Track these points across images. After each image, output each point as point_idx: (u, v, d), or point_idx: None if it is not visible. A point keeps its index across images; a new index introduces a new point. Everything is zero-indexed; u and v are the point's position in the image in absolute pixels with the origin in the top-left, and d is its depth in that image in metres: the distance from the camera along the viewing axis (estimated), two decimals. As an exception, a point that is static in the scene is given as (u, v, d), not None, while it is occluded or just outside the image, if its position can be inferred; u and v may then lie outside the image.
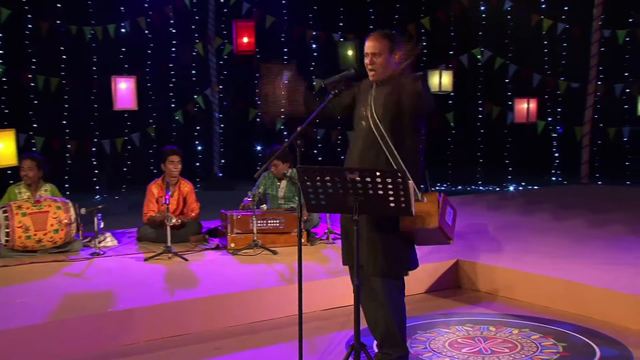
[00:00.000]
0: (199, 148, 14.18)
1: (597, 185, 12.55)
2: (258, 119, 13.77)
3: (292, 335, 5.31)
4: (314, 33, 13.55)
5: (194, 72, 13.99)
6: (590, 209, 9.32)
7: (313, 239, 7.38)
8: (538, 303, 5.83)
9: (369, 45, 4.37)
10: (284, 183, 7.72)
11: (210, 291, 5.63)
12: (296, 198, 7.74)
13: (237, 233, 7.10)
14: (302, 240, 6.94)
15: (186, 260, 6.66)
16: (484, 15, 13.47)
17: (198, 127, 14.15)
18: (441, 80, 10.73)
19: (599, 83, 12.74)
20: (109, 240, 7.48)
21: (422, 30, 13.42)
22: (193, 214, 7.63)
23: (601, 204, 9.87)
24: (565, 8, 13.03)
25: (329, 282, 6.00)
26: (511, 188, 13.30)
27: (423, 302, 6.10)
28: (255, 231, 6.92)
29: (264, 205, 7.36)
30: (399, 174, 3.76)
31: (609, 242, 7.16)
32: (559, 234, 7.57)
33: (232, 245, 7.08)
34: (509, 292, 6.08)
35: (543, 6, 13.09)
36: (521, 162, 13.88)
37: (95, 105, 12.80)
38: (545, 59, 13.19)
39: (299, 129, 4.40)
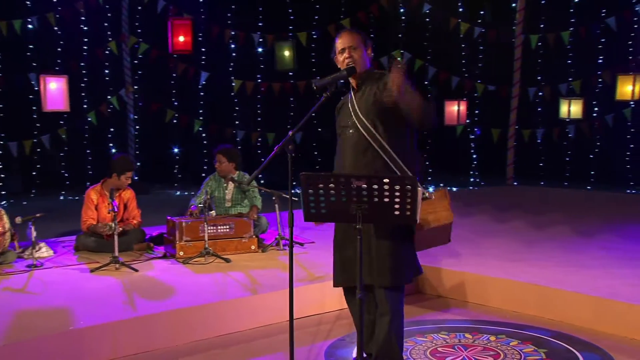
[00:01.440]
0: (113, 150, 13.63)
1: (521, 186, 12.86)
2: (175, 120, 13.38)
3: (265, 348, 5.16)
4: (233, 33, 13.29)
5: (107, 71, 13.44)
6: (525, 210, 9.52)
7: (264, 245, 7.17)
8: (507, 308, 5.85)
9: (343, 41, 4.27)
10: (231, 185, 7.48)
11: (174, 304, 5.36)
12: (245, 202, 7.52)
13: (186, 241, 6.81)
14: (253, 247, 6.85)
15: (136, 270, 6.32)
16: (403, 18, 13.57)
17: (112, 129, 13.60)
18: None
19: (515, 86, 13.09)
20: (44, 251, 7.02)
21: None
22: (135, 221, 7.28)
23: (533, 205, 10.12)
24: (482, 12, 13.30)
25: (295, 291, 5.81)
26: (431, 189, 13.42)
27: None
28: (206, 238, 6.66)
29: (213, 211, 7.10)
30: (408, 181, 3.65)
31: (558, 244, 7.30)
32: (507, 236, 7.67)
33: (181, 253, 6.79)
34: (477, 297, 6.07)
35: (461, 9, 13.31)
36: (440, 164, 14.08)
37: (1, 105, 12.08)
38: (463, 61, 13.42)
39: (290, 133, 4.25)
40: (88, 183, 13.29)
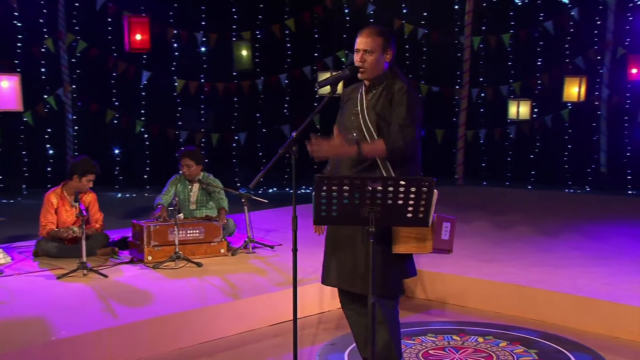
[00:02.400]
0: (51, 152, 13.17)
1: (468, 186, 13.03)
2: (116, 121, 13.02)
3: (254, 354, 5.08)
4: (175, 32, 13.03)
5: (43, 70, 12.97)
6: (483, 210, 9.63)
7: (233, 248, 7.03)
8: (487, 309, 5.90)
9: (360, 41, 4.18)
10: (196, 187, 7.31)
11: (156, 311, 5.21)
12: (210, 204, 7.36)
13: (154, 245, 6.61)
14: (222, 251, 6.72)
15: (105, 276, 6.10)
16: (348, 18, 13.58)
17: (49, 129, 13.13)
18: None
19: (457, 87, 13.28)
20: (1, 257, 6.71)
21: (287, 32, 13.31)
22: (97, 225, 7.02)
23: (489, 205, 10.24)
24: (425, 14, 13.45)
25: (275, 296, 5.73)
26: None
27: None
28: (177, 242, 6.48)
29: (181, 214, 6.92)
30: (425, 183, 3.60)
31: (525, 244, 7.41)
32: (474, 237, 7.72)
33: (149, 258, 6.59)
34: (456, 299, 6.09)
35: (405, 11, 13.41)
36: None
37: None
38: (407, 62, 13.52)
39: (294, 134, 4.18)
40: (24, 185, 12.89)
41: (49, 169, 13.07)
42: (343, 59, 13.36)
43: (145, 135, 13.35)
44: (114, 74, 13.08)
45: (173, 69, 13.28)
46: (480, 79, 13.59)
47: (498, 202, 10.84)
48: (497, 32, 13.08)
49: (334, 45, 13.69)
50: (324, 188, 3.62)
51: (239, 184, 12.90)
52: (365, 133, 4.10)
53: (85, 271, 6.11)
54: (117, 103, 13.24)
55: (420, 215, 3.70)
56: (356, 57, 4.19)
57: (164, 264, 6.46)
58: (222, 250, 6.89)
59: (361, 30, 4.24)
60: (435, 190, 3.67)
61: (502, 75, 13.42)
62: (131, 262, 6.69)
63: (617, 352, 4.96)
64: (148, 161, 13.40)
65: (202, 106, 13.71)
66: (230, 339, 5.35)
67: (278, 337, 5.41)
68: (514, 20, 13.37)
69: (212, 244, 6.84)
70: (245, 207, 7.03)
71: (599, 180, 13.04)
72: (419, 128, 4.11)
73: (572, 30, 13.07)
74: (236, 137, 13.57)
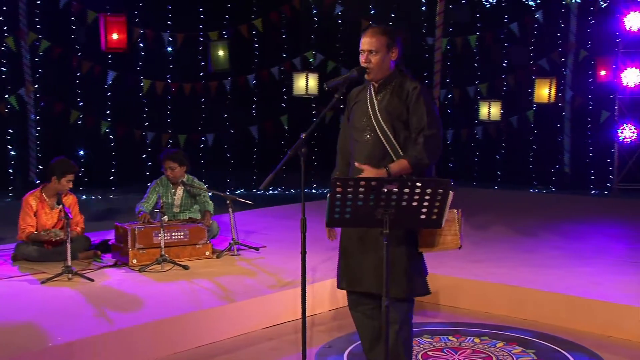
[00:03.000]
0: (12, 153, 12.86)
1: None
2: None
3: (250, 359, 5.01)
4: (141, 31, 12.84)
5: (4, 69, 12.66)
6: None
7: (218, 251, 6.95)
8: (479, 309, 5.93)
9: (364, 42, 4.17)
10: (180, 190, 7.21)
11: (151, 315, 5.13)
12: (195, 206, 7.28)
13: (139, 248, 6.51)
14: (207, 253, 6.65)
15: (91, 280, 5.98)
16: (316, 19, 13.56)
17: (11, 130, 12.82)
18: (308, 83, 10.62)
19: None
20: (-22, 262, 6.54)
21: (255, 32, 13.23)
22: (79, 228, 6.88)
23: (462, 205, 10.27)
24: (392, 15, 13.51)
25: (268, 298, 5.69)
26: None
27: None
28: (162, 245, 6.39)
29: (165, 216, 6.83)
30: (441, 185, 3.61)
31: (507, 244, 7.48)
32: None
33: (134, 261, 6.48)
34: (448, 299, 6.11)
35: (372, 12, 13.44)
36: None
37: None
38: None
39: (303, 136, 4.14)
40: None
41: (10, 170, 12.76)
42: (311, 60, 13.33)
43: (111, 136, 13.13)
44: (78, 74, 12.84)
45: (139, 69, 13.09)
46: (448, 80, 13.71)
47: (469, 202, 10.90)
48: (463, 33, 13.22)
49: (303, 45, 13.67)
50: (339, 190, 3.58)
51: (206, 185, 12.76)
52: (380, 134, 4.09)
53: (70, 275, 5.98)
54: (81, 103, 12.99)
55: (434, 217, 3.70)
56: (361, 58, 4.19)
57: (150, 267, 6.35)
58: (207, 253, 6.82)
59: (365, 30, 4.23)
60: (451, 192, 3.67)
61: (468, 77, 13.56)
62: (115, 265, 6.57)
63: (611, 350, 5.03)
64: (114, 162, 13.18)
65: (169, 107, 13.53)
66: (226, 342, 5.30)
67: (273, 340, 5.37)
68: (480, 22, 13.51)
69: (197, 246, 6.76)
70: (230, 209, 6.97)
71: (562, 180, 13.26)
72: (441, 128, 4.12)
73: (536, 32, 13.27)
74: (203, 138, 13.45)
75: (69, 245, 6.00)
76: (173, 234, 6.63)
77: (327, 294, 6.01)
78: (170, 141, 13.19)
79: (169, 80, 13.17)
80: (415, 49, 13.62)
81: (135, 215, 7.00)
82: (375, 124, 4.11)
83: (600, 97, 12.94)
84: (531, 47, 13.40)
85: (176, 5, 13.32)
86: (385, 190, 3.58)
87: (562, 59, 13.20)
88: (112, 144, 13.22)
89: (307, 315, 5.76)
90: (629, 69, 10.74)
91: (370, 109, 4.16)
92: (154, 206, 7.04)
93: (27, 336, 4.69)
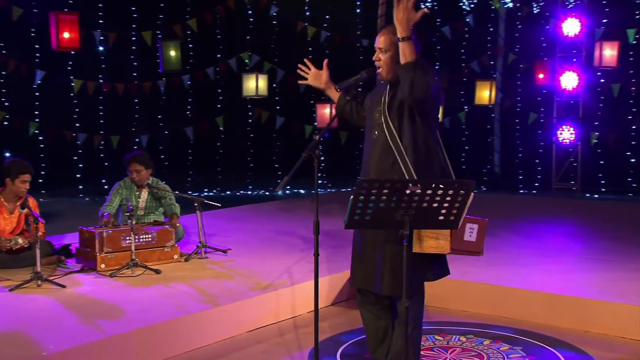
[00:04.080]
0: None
1: None
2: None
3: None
4: (70, 29, 12.43)
5: None
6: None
7: (186, 254, 6.83)
8: (456, 308, 6.02)
9: (378, 40, 4.21)
10: (145, 193, 7.03)
11: (141, 321, 4.97)
12: (160, 209, 7.13)
13: (107, 252, 6.32)
14: (176, 257, 6.54)
15: (63, 286, 5.77)
16: (251, 20, 13.48)
17: None
18: (258, 84, 10.53)
19: (359, 90, 13.46)
20: None
21: (189, 32, 13.04)
22: (40, 233, 6.59)
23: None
24: (327, 16, 13.59)
25: (253, 301, 5.63)
26: (279, 192, 13.51)
27: (345, 315, 5.98)
28: (133, 249, 6.22)
29: (129, 220, 6.65)
30: (464, 186, 3.66)
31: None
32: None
33: (102, 266, 6.29)
34: (427, 299, 6.15)
35: (308, 13, 13.48)
36: (289, 167, 14.10)
37: None
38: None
39: (316, 137, 4.14)
40: None
41: None
42: (247, 60, 13.24)
43: (40, 138, 12.67)
44: (4, 73, 12.34)
45: (69, 68, 12.68)
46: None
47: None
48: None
49: (238, 46, 13.57)
50: (364, 191, 3.58)
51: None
52: (387, 132, 4.11)
53: (39, 282, 5.76)
54: (7, 103, 12.49)
55: (452, 218, 3.75)
56: (374, 56, 4.22)
57: (121, 272, 6.17)
58: (176, 256, 6.69)
59: (380, 29, 4.26)
60: (472, 193, 3.72)
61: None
62: (82, 270, 6.36)
63: (592, 345, 5.17)
64: (43, 164, 12.72)
65: (101, 107, 13.17)
66: (213, 346, 5.22)
67: (261, 343, 5.32)
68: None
69: (166, 249, 6.63)
70: (198, 212, 6.86)
71: (493, 180, 13.66)
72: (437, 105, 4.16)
73: (467, 35, 13.62)
74: (137, 140, 13.15)
75: (38, 251, 5.78)
76: (141, 237, 6.47)
77: (306, 296, 6.00)
78: (103, 142, 12.85)
79: (101, 81, 12.82)
80: (349, 50, 13.75)
81: (99, 218, 6.79)
82: (383, 121, 4.14)
83: (539, 99, 13.38)
84: (462, 50, 13.74)
85: (108, 4, 12.97)
86: (409, 191, 3.61)
87: (492, 62, 13.60)
88: (41, 146, 12.77)
89: (287, 318, 5.82)
90: (567, 72, 11.20)
91: (381, 105, 4.19)
92: (125, 209, 6.86)
93: (16, 346, 4.49)
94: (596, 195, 12.26)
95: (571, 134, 10.96)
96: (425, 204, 3.64)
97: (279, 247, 7.42)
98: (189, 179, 13.37)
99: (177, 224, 6.87)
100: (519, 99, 13.61)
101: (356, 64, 13.48)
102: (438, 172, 4.19)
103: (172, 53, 10.63)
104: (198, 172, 13.67)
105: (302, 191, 13.54)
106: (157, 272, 6.23)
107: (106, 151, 12.95)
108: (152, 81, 12.89)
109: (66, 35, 8.97)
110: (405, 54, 3.91)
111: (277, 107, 13.54)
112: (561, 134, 10.97)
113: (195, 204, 6.88)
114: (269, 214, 9.72)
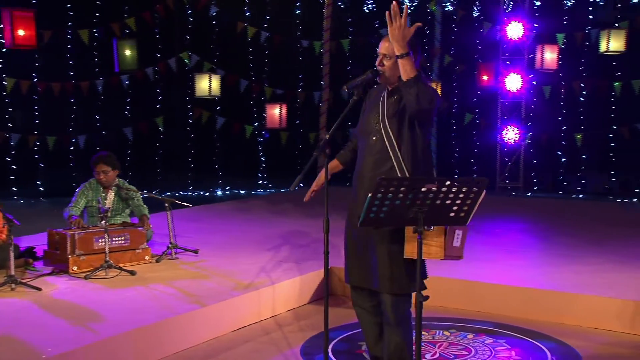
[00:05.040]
0: None
1: (335, 187, 13.26)
2: None
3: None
4: (1, 26, 12.02)
5: None
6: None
7: (157, 255, 6.74)
8: (431, 303, 6.13)
9: (381, 46, 4.21)
10: (111, 194, 6.90)
11: (133, 323, 4.90)
12: (127, 211, 7.01)
13: (79, 254, 6.19)
14: (147, 258, 6.47)
15: (39, 289, 5.63)
16: (191, 19, 13.36)
17: None
18: (211, 84, 10.44)
19: (299, 90, 13.59)
20: None
21: (127, 31, 12.81)
22: (4, 236, 6.41)
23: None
24: (267, 17, 13.60)
25: (237, 301, 5.62)
26: (219, 192, 13.45)
27: (321, 314, 5.97)
28: (107, 250, 6.12)
29: (102, 221, 6.53)
30: (479, 183, 3.76)
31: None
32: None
33: (75, 268, 6.16)
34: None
35: (248, 14, 13.46)
36: (229, 167, 14.09)
37: None
38: (250, 65, 13.57)
39: (326, 136, 4.16)
40: None
41: None
42: (186, 61, 13.12)
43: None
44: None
45: (1, 66, 12.27)
46: (322, 83, 14.00)
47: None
48: (336, 37, 13.57)
49: (177, 46, 13.43)
50: (382, 190, 3.63)
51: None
52: (385, 139, 4.15)
53: (13, 285, 5.60)
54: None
55: (462, 215, 3.84)
56: (377, 61, 4.27)
57: (95, 274, 6.06)
58: (147, 258, 6.60)
59: (384, 35, 4.30)
60: (484, 191, 3.83)
61: (340, 79, 13.91)
62: (53, 273, 6.20)
63: (569, 336, 5.37)
64: (-25, 167, 12.29)
65: (36, 107, 12.79)
66: (202, 347, 5.18)
67: (249, 342, 5.32)
68: (352, 26, 13.92)
69: (137, 251, 6.53)
70: (168, 213, 6.79)
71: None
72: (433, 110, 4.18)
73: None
74: (74, 140, 12.84)
75: (12, 254, 5.62)
76: (114, 239, 6.36)
77: (285, 295, 6.04)
78: (38, 143, 12.50)
79: (35, 80, 12.46)
80: (289, 51, 13.81)
81: (65, 220, 6.63)
82: (382, 127, 4.18)
83: (474, 100, 13.73)
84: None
85: (42, 2, 12.60)
86: (425, 189, 3.69)
87: (429, 64, 13.91)
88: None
89: (268, 317, 5.84)
90: (511, 74, 11.56)
91: (380, 113, 4.24)
92: (91, 211, 6.73)
93: (11, 350, 4.36)
94: (538, 194, 12.70)
95: (516, 134, 11.32)
96: (438, 201, 3.73)
97: (247, 247, 7.42)
98: (128, 180, 13.08)
99: (150, 225, 6.77)
100: (455, 99, 13.96)
101: (295, 64, 13.60)
102: (431, 175, 4.30)
103: (128, 52, 10.43)
104: (137, 172, 13.44)
105: (242, 192, 13.52)
106: (132, 273, 6.14)
107: (42, 152, 12.60)
108: (90, 80, 12.63)
109: (21, 32, 8.68)
110: (406, 69, 3.97)
111: (218, 108, 13.46)
112: (506, 134, 11.33)
113: (166, 205, 6.81)
114: (225, 213, 9.68)
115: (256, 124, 13.77)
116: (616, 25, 11.79)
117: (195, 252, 6.95)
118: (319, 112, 14.00)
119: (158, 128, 13.23)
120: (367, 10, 13.11)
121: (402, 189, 3.65)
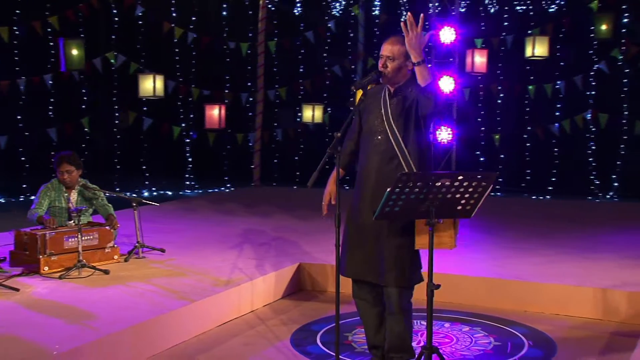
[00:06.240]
0: None
1: (269, 187, 13.40)
2: None
3: (232, 355, 5.06)
4: None
5: None
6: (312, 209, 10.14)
7: (124, 255, 6.70)
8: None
9: (384, 48, 4.40)
10: (74, 194, 6.79)
11: (126, 321, 4.91)
12: (90, 210, 6.92)
13: (50, 254, 6.10)
14: (116, 257, 6.48)
15: (17, 290, 5.53)
16: (116, 19, 13.16)
17: None
18: (155, 85, 10.33)
19: (227, 91, 13.63)
20: None
21: (49, 30, 12.49)
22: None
23: (288, 205, 10.74)
24: (194, 18, 13.58)
25: (220, 297, 5.71)
26: (146, 193, 13.29)
27: (300, 307, 6.19)
28: (80, 250, 6.06)
29: (71, 221, 6.46)
30: (489, 178, 3.98)
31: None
32: (323, 233, 8.13)
33: (46, 268, 6.07)
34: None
35: (174, 15, 13.38)
36: (156, 168, 13.94)
37: None
38: (177, 66, 13.48)
39: (337, 134, 4.30)
40: None
41: None
42: (112, 61, 12.91)
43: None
44: None
45: None
46: (249, 84, 14.10)
47: (301, 202, 11.31)
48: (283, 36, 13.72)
49: (102, 46, 13.19)
50: (400, 185, 3.82)
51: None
52: (391, 138, 4.36)
53: (-11, 287, 5.50)
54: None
55: (468, 207, 4.07)
56: (379, 63, 4.46)
57: (68, 273, 5.99)
58: (116, 257, 6.58)
59: (387, 38, 4.50)
60: (491, 185, 4.07)
61: (269, 80, 14.07)
62: (24, 274, 6.08)
63: (534, 322, 5.72)
64: None
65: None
66: (193, 342, 5.26)
67: (238, 336, 5.43)
68: (279, 28, 14.05)
69: (106, 250, 6.49)
70: (136, 212, 6.77)
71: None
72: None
73: (329, 40, 14.15)
74: (-6, 141, 12.41)
75: (-13, 256, 5.50)
76: (84, 238, 6.29)
77: (262, 291, 6.17)
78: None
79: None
80: (216, 52, 13.82)
81: (34, 222, 6.51)
82: (387, 127, 4.38)
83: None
84: (325, 55, 14.25)
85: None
86: (439, 184, 3.91)
87: (353, 66, 14.24)
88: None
89: (247, 312, 5.97)
90: (444, 76, 11.93)
91: (383, 112, 4.42)
92: (62, 211, 6.63)
93: (14, 349, 4.31)
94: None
95: (449, 134, 11.75)
96: (449, 195, 3.94)
97: (210, 245, 7.48)
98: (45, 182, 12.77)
99: (118, 224, 6.73)
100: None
101: (222, 65, 13.64)
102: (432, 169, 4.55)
103: (75, 52, 10.19)
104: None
105: (169, 192, 13.42)
106: (106, 272, 6.11)
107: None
108: (10, 80, 12.25)
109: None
110: (424, 75, 4.20)
111: (145, 108, 13.31)
112: (440, 134, 11.74)
113: (133, 204, 6.79)
114: (172, 214, 9.64)
115: (183, 124, 13.71)
116: (529, 32, 12.46)
117: (162, 250, 6.95)
118: (252, 112, 14.04)
119: (83, 129, 12.96)
120: (296, 13, 13.32)
121: (418, 183, 3.85)
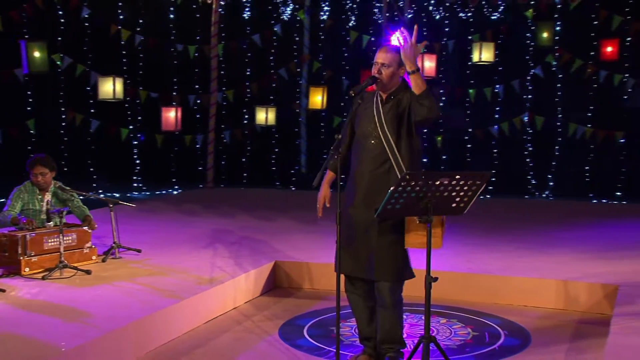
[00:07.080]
0: None
1: (221, 188, 13.45)
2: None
3: (226, 349, 5.25)
4: None
5: None
6: (280, 210, 10.34)
7: (101, 255, 6.77)
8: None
9: (379, 56, 4.66)
10: (47, 196, 6.79)
11: (124, 318, 5.03)
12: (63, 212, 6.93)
13: (30, 255, 6.14)
14: (94, 257, 6.57)
15: (3, 291, 5.56)
16: (62, 20, 13.00)
17: None
18: (115, 87, 10.29)
19: (175, 94, 13.66)
20: None
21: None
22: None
23: (248, 205, 10.88)
24: (141, 21, 13.56)
25: (207, 294, 5.87)
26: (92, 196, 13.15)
27: (281, 304, 6.39)
28: (62, 251, 6.12)
29: (51, 222, 6.49)
30: (484, 177, 4.26)
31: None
32: (286, 233, 8.45)
33: (27, 269, 6.11)
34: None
35: (121, 17, 13.34)
36: (103, 170, 13.83)
37: None
38: (125, 68, 13.42)
39: (338, 136, 4.53)
40: None
41: None
42: (59, 63, 12.77)
43: None
44: None
45: None
46: (196, 86, 14.15)
47: (257, 202, 11.40)
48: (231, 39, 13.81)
49: (50, 47, 13.00)
50: (403, 184, 4.09)
51: None
52: (384, 142, 4.62)
53: (-28, 289, 5.52)
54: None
55: (462, 205, 4.35)
56: (374, 69, 4.70)
57: (51, 274, 6.04)
58: (94, 257, 6.65)
59: (381, 46, 4.76)
60: (485, 184, 4.36)
61: (220, 83, 14.13)
62: (4, 275, 6.09)
63: (505, 314, 6.08)
64: None
65: None
66: (183, 338, 5.42)
67: (228, 332, 5.61)
68: (249, 27, 14.15)
69: (84, 251, 6.56)
70: (112, 213, 6.84)
71: (300, 180, 14.47)
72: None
73: (275, 43, 14.31)
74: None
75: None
76: (63, 239, 6.33)
77: (244, 288, 6.36)
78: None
79: None
80: (163, 54, 13.84)
81: (8, 223, 6.50)
82: (380, 132, 4.63)
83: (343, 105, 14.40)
84: (271, 57, 14.40)
85: None
86: (439, 182, 4.18)
87: (298, 69, 14.46)
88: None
89: (230, 309, 6.15)
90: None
91: (376, 118, 4.66)
92: (35, 213, 6.62)
93: (18, 346, 4.38)
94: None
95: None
96: (446, 193, 4.21)
97: (182, 245, 7.59)
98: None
99: (96, 225, 6.78)
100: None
101: (169, 67, 13.68)
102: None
103: (37, 54, 10.06)
104: (8, 176, 12.87)
105: (116, 194, 13.35)
106: (88, 272, 6.19)
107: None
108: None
109: None
110: (418, 83, 4.48)
111: (92, 110, 13.21)
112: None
113: (110, 205, 6.86)
114: (134, 215, 9.62)
115: (131, 126, 13.67)
116: (469, 37, 12.98)
117: (138, 251, 7.04)
118: (198, 115, 14.09)
119: (29, 131, 12.77)
120: (246, 17, 13.46)
121: (420, 182, 4.12)
